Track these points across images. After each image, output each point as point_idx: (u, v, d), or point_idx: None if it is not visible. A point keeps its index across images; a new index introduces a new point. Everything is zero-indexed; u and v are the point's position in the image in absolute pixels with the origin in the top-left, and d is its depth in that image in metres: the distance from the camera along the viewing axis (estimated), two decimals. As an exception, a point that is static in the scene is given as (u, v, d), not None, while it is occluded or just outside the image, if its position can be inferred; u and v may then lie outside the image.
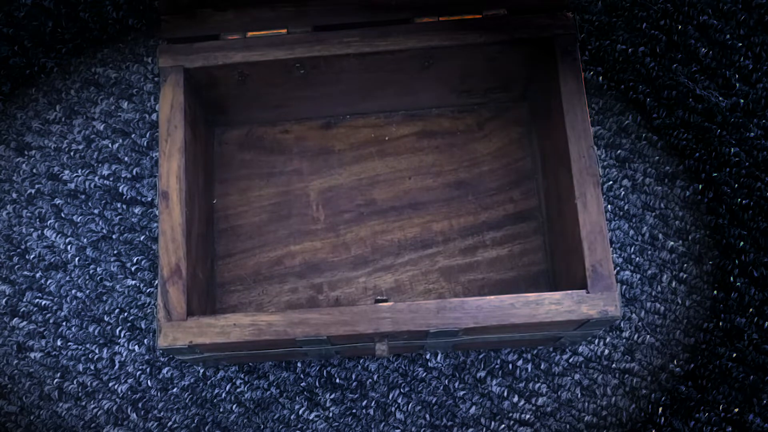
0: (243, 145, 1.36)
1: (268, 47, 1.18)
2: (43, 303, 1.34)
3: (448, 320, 1.06)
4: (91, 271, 1.35)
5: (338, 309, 1.06)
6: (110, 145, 1.40)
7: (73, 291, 1.34)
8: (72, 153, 1.40)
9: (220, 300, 1.30)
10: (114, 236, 1.36)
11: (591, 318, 1.05)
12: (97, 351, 1.32)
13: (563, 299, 1.06)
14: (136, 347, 1.32)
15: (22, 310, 1.34)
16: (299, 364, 1.30)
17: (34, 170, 1.39)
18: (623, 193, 1.34)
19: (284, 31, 1.19)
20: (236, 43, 1.18)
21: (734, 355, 1.28)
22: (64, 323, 1.33)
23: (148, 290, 1.34)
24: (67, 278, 1.35)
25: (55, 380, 1.32)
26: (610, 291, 1.05)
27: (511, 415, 1.28)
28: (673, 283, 1.31)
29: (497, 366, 1.29)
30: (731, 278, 1.31)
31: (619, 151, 1.36)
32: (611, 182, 1.35)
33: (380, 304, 1.06)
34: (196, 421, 1.29)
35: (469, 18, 1.19)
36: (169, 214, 1.11)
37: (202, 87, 1.23)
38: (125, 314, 1.33)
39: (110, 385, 1.31)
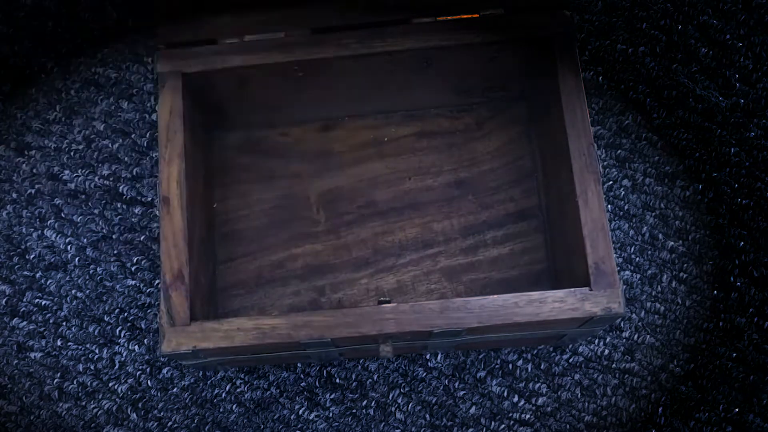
0: (242, 149, 1.36)
1: (266, 50, 1.18)
2: (43, 303, 1.34)
3: (451, 320, 1.06)
4: (91, 271, 1.35)
5: (342, 311, 1.06)
6: (110, 145, 1.40)
7: (73, 291, 1.34)
8: (72, 153, 1.40)
9: (223, 304, 1.30)
10: (114, 236, 1.36)
11: (595, 315, 1.05)
12: (97, 351, 1.32)
13: (566, 297, 1.06)
14: (136, 347, 1.32)
15: (22, 310, 1.34)
16: (299, 364, 1.30)
17: (34, 170, 1.39)
18: (623, 193, 1.34)
19: (282, 34, 1.18)
20: (234, 47, 1.18)
21: (734, 355, 1.28)
22: (64, 323, 1.33)
23: (148, 290, 1.34)
24: (67, 278, 1.35)
25: (55, 380, 1.32)
26: (614, 288, 1.05)
27: (511, 415, 1.28)
28: (673, 283, 1.31)
29: (497, 366, 1.29)
30: (731, 278, 1.31)
31: (619, 151, 1.36)
32: (611, 182, 1.34)
33: (383, 305, 1.06)
34: (196, 421, 1.29)
35: (467, 18, 1.19)
36: (170, 219, 1.11)
37: (201, 91, 1.22)
38: (125, 314, 1.33)
39: (110, 385, 1.31)
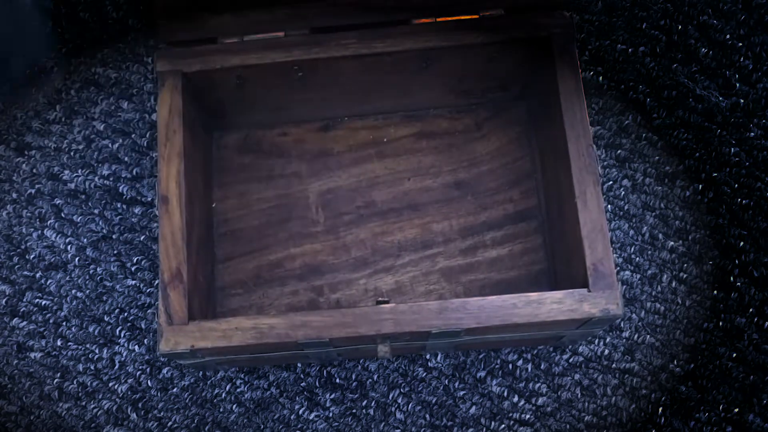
0: (242, 149, 1.36)
1: (266, 50, 1.18)
2: (43, 303, 1.34)
3: (450, 321, 1.06)
4: (91, 271, 1.35)
5: (340, 311, 1.06)
6: (110, 145, 1.40)
7: (73, 291, 1.34)
8: (72, 153, 1.40)
9: (221, 304, 1.30)
10: (114, 236, 1.36)
11: (593, 317, 1.05)
12: (97, 351, 1.32)
13: (565, 298, 1.05)
14: (136, 347, 1.32)
15: (22, 310, 1.34)
16: (299, 364, 1.30)
17: (34, 170, 1.39)
18: (623, 193, 1.34)
19: (282, 33, 1.18)
20: (234, 46, 1.18)
21: (734, 355, 1.28)
22: (64, 323, 1.33)
23: (148, 290, 1.34)
24: (67, 278, 1.35)
25: (55, 380, 1.32)
26: (612, 289, 1.05)
27: (511, 415, 1.28)
28: (673, 283, 1.31)
29: (497, 366, 1.29)
30: (731, 278, 1.31)
31: (619, 151, 1.36)
32: (611, 182, 1.34)
33: (382, 305, 1.06)
34: (196, 421, 1.29)
35: (467, 18, 1.19)
36: (169, 218, 1.11)
37: (201, 91, 1.22)
38: (125, 314, 1.33)
39: (110, 385, 1.31)
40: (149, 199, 1.37)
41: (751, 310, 1.29)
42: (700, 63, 1.39)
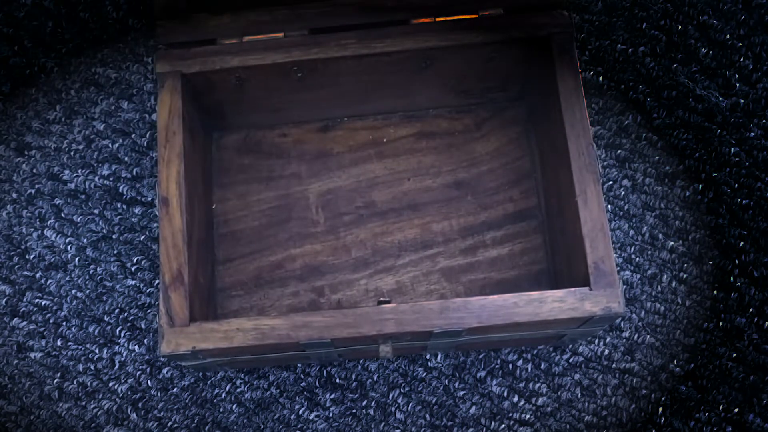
0: (241, 150, 1.36)
1: (265, 51, 1.18)
2: (43, 303, 1.34)
3: (451, 320, 1.05)
4: (91, 271, 1.35)
5: (341, 311, 1.06)
6: (110, 145, 1.40)
7: (73, 291, 1.34)
8: (72, 153, 1.40)
9: (222, 305, 1.30)
10: (114, 236, 1.36)
11: (594, 315, 1.05)
12: (97, 351, 1.32)
13: (566, 297, 1.05)
14: (136, 347, 1.32)
15: (22, 310, 1.34)
16: (299, 364, 1.30)
17: (34, 170, 1.39)
18: (623, 193, 1.34)
19: (281, 34, 1.18)
20: (233, 47, 1.18)
21: (734, 355, 1.28)
22: (64, 323, 1.33)
23: (148, 290, 1.34)
24: (67, 278, 1.35)
25: (55, 380, 1.32)
26: (613, 288, 1.05)
27: (511, 415, 1.28)
28: (673, 283, 1.31)
29: (497, 366, 1.29)
30: (731, 278, 1.31)
31: (619, 151, 1.36)
32: (611, 182, 1.34)
33: (383, 305, 1.06)
34: (196, 421, 1.29)
35: (466, 18, 1.18)
36: (169, 220, 1.11)
37: (200, 92, 1.22)
38: (125, 314, 1.33)
39: (110, 385, 1.31)
40: (149, 199, 1.37)
41: (751, 310, 1.29)
42: (700, 63, 1.38)
